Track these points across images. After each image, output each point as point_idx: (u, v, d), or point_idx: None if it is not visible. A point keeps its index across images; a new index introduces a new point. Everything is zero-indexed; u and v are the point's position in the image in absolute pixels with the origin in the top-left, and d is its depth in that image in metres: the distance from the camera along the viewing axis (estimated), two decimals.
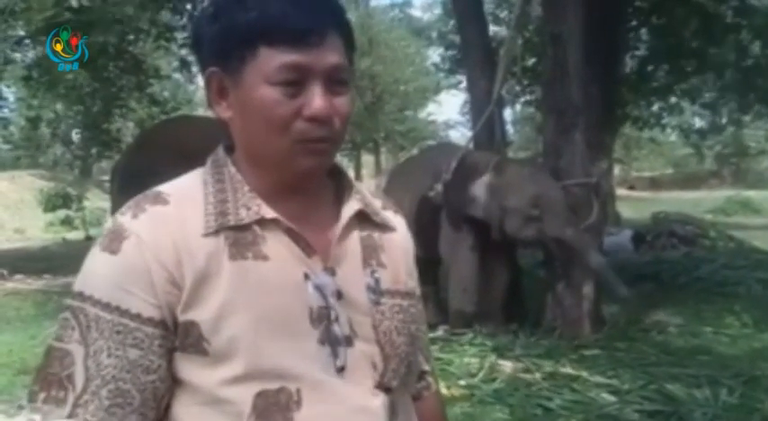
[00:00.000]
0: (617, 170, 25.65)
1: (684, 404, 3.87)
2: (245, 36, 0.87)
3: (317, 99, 0.87)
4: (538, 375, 4.48)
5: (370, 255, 0.99)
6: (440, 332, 5.48)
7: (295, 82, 0.87)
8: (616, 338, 5.52)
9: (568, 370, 4.56)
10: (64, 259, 12.22)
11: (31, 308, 7.92)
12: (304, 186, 0.95)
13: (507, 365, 4.69)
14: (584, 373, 4.49)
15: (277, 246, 0.90)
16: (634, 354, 5.02)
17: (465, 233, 5.73)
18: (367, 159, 32.46)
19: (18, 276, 10.69)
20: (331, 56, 0.88)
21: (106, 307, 0.85)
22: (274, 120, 0.87)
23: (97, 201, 20.33)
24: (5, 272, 10.73)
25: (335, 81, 0.90)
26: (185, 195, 0.92)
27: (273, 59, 0.86)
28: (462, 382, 4.33)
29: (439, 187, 5.76)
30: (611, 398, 4.03)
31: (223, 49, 0.90)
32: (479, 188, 5.56)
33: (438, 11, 26.59)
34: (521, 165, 5.99)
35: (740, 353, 5.12)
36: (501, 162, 5.78)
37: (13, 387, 4.69)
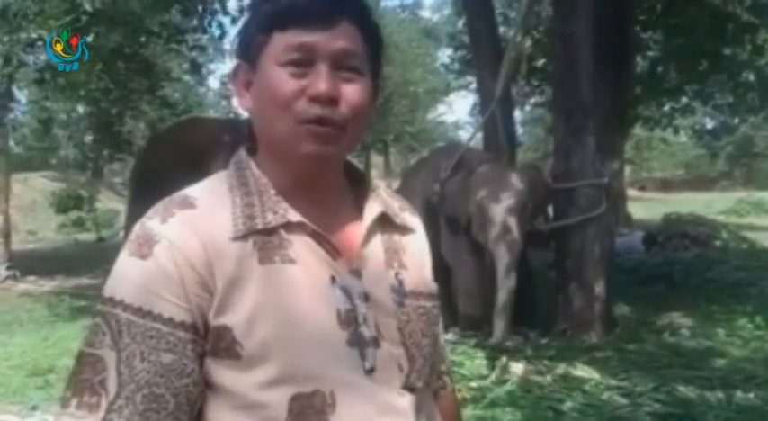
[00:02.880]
0: (628, 171, 25.49)
1: (697, 406, 3.85)
2: (261, 25, 0.92)
3: (320, 79, 0.88)
4: (549, 377, 4.46)
5: (393, 257, 0.99)
6: (450, 334, 5.47)
7: (302, 62, 0.89)
8: (627, 340, 5.49)
9: (580, 372, 4.54)
10: (76, 260, 12.32)
11: (44, 309, 7.98)
12: (319, 181, 0.96)
13: (518, 367, 4.67)
14: (596, 375, 4.48)
15: (303, 249, 0.91)
16: (646, 356, 4.99)
17: (462, 236, 5.65)
18: (376, 160, 32.48)
19: (30, 277, 10.78)
20: (340, 40, 0.90)
21: (138, 311, 0.85)
22: (277, 99, 0.89)
23: (109, 202, 20.48)
24: (18, 273, 10.82)
25: (346, 67, 0.90)
26: (212, 199, 0.92)
27: (282, 41, 0.89)
28: (473, 384, 4.32)
29: (436, 187, 5.73)
30: (623, 401, 4.00)
31: (246, 41, 0.95)
32: (455, 187, 5.59)
33: (447, 11, 26.61)
34: (495, 169, 5.67)
35: (753, 355, 5.07)
36: (483, 163, 5.72)
37: (25, 388, 4.72)
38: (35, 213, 20.05)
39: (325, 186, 0.97)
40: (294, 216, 0.91)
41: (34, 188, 21.12)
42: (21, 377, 4.98)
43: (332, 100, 0.88)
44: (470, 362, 4.76)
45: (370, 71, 0.95)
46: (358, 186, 1.03)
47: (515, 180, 5.48)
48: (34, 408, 4.24)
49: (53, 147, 26.35)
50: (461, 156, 5.81)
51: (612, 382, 4.33)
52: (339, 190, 1.00)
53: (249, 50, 0.93)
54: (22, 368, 5.19)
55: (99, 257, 9.95)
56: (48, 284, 10.23)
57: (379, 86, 1.00)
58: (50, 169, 25.03)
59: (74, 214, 18.96)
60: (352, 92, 0.90)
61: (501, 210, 5.30)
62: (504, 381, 4.40)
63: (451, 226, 5.72)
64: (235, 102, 0.98)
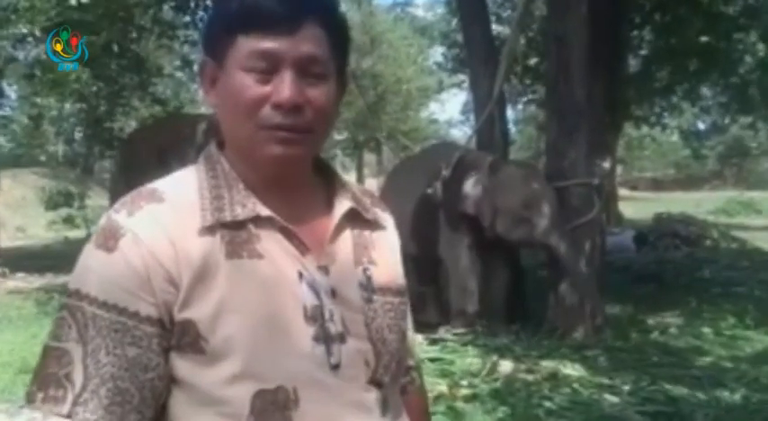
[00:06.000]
0: (619, 170, 25.59)
1: (686, 405, 3.86)
2: (226, 25, 0.90)
3: (284, 86, 0.87)
4: (539, 375, 4.47)
5: (362, 252, 0.99)
6: (441, 332, 5.47)
7: (266, 69, 0.88)
8: (617, 339, 5.52)
9: (570, 370, 4.56)
10: (66, 257, 12.19)
11: (33, 306, 7.92)
12: (288, 180, 0.95)
13: (509, 365, 4.68)
14: (586, 374, 4.49)
15: (271, 244, 0.90)
16: (635, 355, 5.02)
17: (463, 232, 5.73)
18: (369, 158, 32.45)
19: (20, 274, 10.69)
20: (305, 45, 0.88)
21: (103, 305, 0.84)
22: (241, 105, 0.88)
23: (99, 199, 20.29)
24: (7, 270, 10.73)
25: (310, 71, 0.89)
26: (181, 193, 0.91)
27: (246, 46, 0.88)
28: (464, 382, 4.32)
29: (438, 185, 5.76)
30: (613, 399, 4.02)
31: (211, 39, 0.94)
32: (473, 186, 5.60)
33: (440, 10, 26.63)
34: (516, 166, 6.01)
35: (742, 354, 5.12)
36: (497, 161, 5.82)
37: (14, 386, 4.68)
38: (24, 210, 19.92)
39: (294, 183, 0.97)
40: (263, 210, 0.91)
41: (24, 184, 20.98)
42: (9, 375, 4.94)
43: (296, 107, 0.88)
44: (461, 361, 4.77)
45: (336, 69, 0.94)
46: (329, 182, 1.03)
47: (544, 178, 5.78)
48: (23, 406, 4.21)
49: (43, 144, 26.18)
50: (461, 157, 5.82)
51: (601, 381, 4.35)
52: (309, 186, 1.00)
53: (215, 49, 0.92)
54: (11, 366, 5.15)
55: None
56: (37, 281, 10.14)
57: (346, 80, 0.99)
58: (40, 165, 24.86)
59: (63, 211, 18.82)
60: (317, 96, 0.90)
61: (546, 206, 5.49)
62: (495, 380, 4.41)
63: (454, 223, 5.76)
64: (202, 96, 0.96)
